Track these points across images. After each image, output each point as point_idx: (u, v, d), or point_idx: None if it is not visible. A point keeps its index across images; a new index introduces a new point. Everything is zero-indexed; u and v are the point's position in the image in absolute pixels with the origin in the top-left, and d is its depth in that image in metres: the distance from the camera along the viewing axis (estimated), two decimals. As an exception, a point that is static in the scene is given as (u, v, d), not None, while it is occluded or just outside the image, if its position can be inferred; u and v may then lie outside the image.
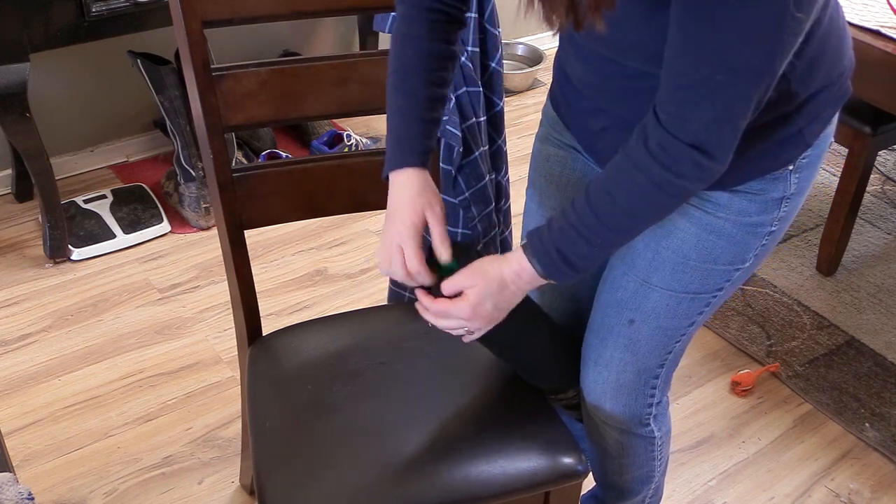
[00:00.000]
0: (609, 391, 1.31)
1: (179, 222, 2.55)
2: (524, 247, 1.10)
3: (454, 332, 1.18)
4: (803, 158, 1.13)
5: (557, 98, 1.29)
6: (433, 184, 1.20)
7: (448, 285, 1.13)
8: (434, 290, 1.16)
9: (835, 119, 1.15)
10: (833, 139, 1.18)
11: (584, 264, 1.08)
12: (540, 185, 1.36)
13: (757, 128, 1.04)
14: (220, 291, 2.31)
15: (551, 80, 1.31)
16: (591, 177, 1.27)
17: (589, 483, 1.76)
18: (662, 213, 1.06)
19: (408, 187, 1.17)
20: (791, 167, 1.12)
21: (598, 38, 1.04)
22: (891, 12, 1.94)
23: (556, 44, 1.25)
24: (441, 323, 1.16)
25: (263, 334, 1.47)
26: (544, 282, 1.11)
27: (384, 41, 2.99)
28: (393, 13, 1.52)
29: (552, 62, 1.31)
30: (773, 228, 1.16)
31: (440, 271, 1.16)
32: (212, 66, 1.31)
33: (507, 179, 1.68)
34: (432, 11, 1.17)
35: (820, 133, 1.13)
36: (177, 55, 2.46)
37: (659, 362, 1.29)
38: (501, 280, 1.11)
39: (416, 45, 1.18)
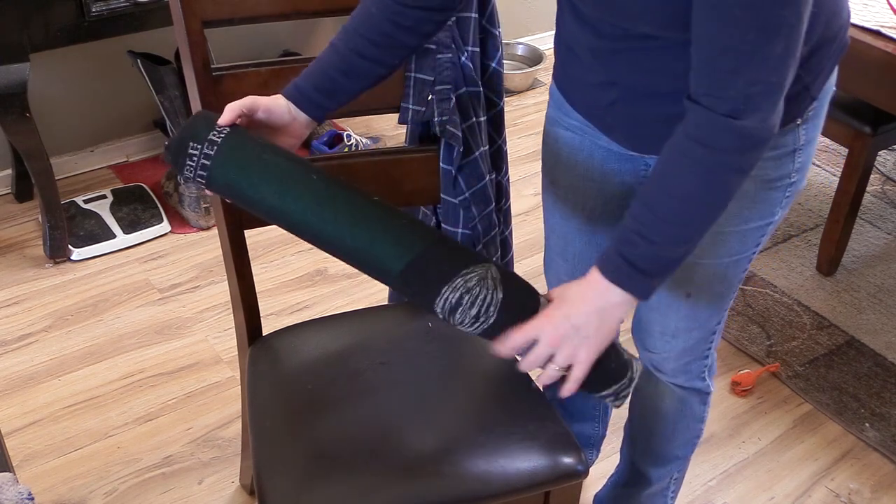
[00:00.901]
0: (674, 355, 1.38)
1: (179, 222, 2.55)
2: (596, 263, 1.06)
3: (549, 374, 1.07)
4: (810, 111, 1.16)
5: (561, 77, 1.29)
6: (285, 112, 1.18)
7: (529, 329, 1.06)
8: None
9: (836, 70, 1.19)
10: (835, 88, 1.21)
11: (649, 267, 1.03)
12: (550, 165, 1.39)
13: None
14: (220, 291, 2.31)
15: (554, 60, 1.31)
16: (598, 154, 1.29)
17: (596, 483, 1.76)
18: (720, 195, 1.01)
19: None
20: (799, 121, 1.15)
21: (606, 5, 1.05)
22: (891, 12, 1.94)
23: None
24: (509, 344, 1.07)
25: (263, 334, 1.47)
26: (621, 301, 1.04)
27: (384, 41, 2.99)
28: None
29: (552, 61, 1.31)
30: (793, 179, 1.20)
31: None
32: (212, 66, 1.31)
33: (508, 179, 1.68)
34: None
35: (823, 85, 1.16)
36: (177, 55, 2.46)
37: (717, 320, 1.35)
38: (573, 292, 1.06)
39: (367, 16, 1.17)
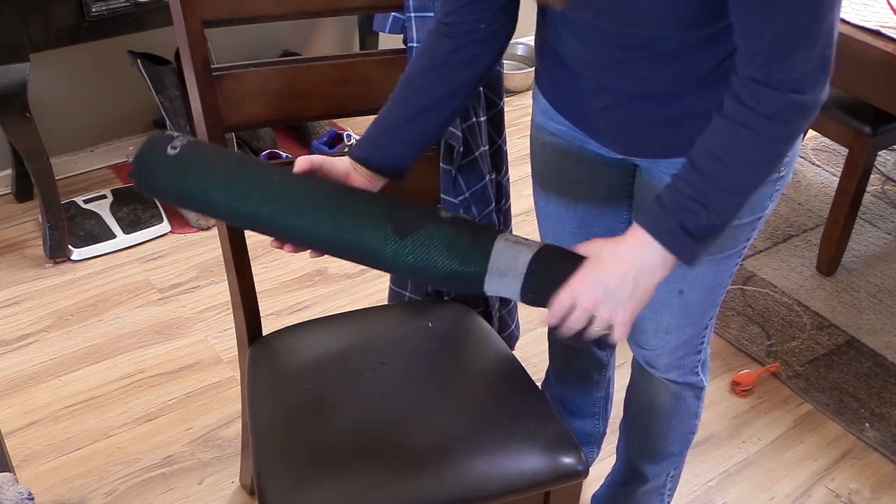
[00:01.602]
0: (666, 351, 1.39)
1: (179, 222, 2.54)
2: (640, 224, 1.06)
3: (592, 334, 1.08)
4: None
5: (547, 84, 1.29)
6: (355, 171, 1.21)
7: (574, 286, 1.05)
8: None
9: None
10: (834, 87, 1.21)
11: (702, 233, 1.05)
12: (539, 170, 1.40)
13: None
14: (220, 291, 2.30)
15: (536, 67, 1.30)
16: (587, 158, 1.29)
17: (596, 482, 1.76)
18: (776, 162, 1.05)
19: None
20: None
21: (600, 11, 1.05)
22: (891, 12, 1.94)
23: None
24: (550, 316, 1.07)
25: (263, 334, 1.47)
26: (662, 264, 1.05)
27: (384, 41, 2.99)
28: (393, 13, 1.52)
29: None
30: (781, 174, 1.20)
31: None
32: (212, 66, 1.31)
33: (508, 179, 1.68)
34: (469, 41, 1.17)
35: None
36: (177, 55, 2.46)
37: (710, 316, 1.37)
38: (608, 253, 1.06)
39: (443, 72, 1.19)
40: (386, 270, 1.13)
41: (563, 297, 1.05)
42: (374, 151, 1.20)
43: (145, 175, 1.13)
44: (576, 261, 1.07)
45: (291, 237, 1.13)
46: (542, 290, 1.07)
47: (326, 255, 1.14)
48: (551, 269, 1.07)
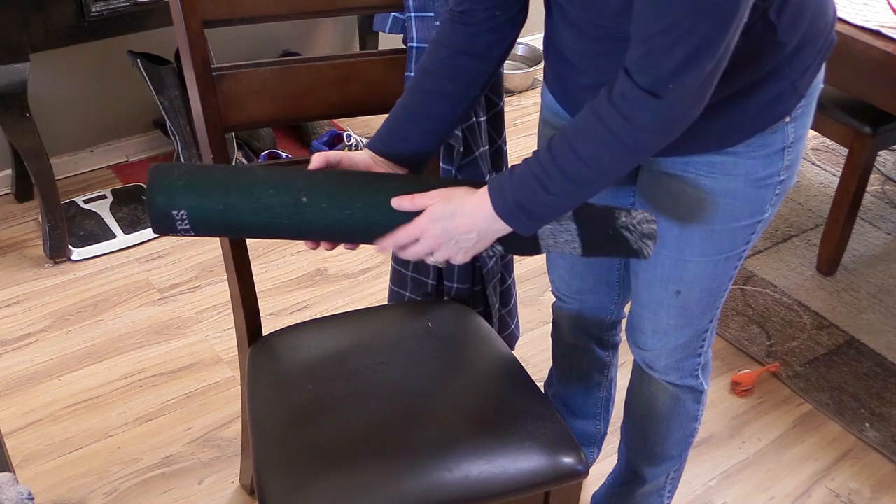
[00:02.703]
0: (665, 352, 1.39)
1: (179, 222, 2.54)
2: (489, 191, 1.10)
3: (410, 253, 1.15)
4: (798, 108, 1.16)
5: (551, 79, 1.30)
6: (375, 164, 1.23)
7: (417, 199, 1.11)
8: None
9: (823, 67, 1.19)
10: (823, 84, 1.21)
11: (540, 212, 1.08)
12: None
13: (751, 85, 1.09)
14: (220, 291, 2.31)
15: (544, 64, 1.31)
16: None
17: (596, 482, 1.76)
18: (620, 166, 1.05)
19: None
20: (787, 118, 1.16)
21: (586, 5, 1.06)
22: (891, 12, 1.94)
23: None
24: (392, 240, 1.14)
25: (263, 334, 1.47)
26: (503, 229, 1.10)
27: (384, 41, 2.99)
28: (393, 13, 1.52)
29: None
30: (783, 177, 1.20)
31: None
32: (212, 66, 1.31)
33: (507, 179, 1.68)
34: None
35: (811, 83, 1.16)
36: (177, 55, 2.46)
37: (709, 318, 1.36)
38: (461, 207, 1.10)
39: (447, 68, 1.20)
40: None
41: (412, 231, 1.11)
42: (397, 142, 1.22)
43: (164, 212, 1.10)
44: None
45: (325, 231, 1.13)
46: (596, 234, 1.13)
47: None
48: (596, 211, 1.13)
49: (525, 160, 1.09)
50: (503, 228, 1.10)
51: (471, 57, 1.19)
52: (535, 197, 1.06)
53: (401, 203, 1.11)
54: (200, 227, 1.11)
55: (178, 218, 1.10)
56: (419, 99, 1.22)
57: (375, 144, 1.22)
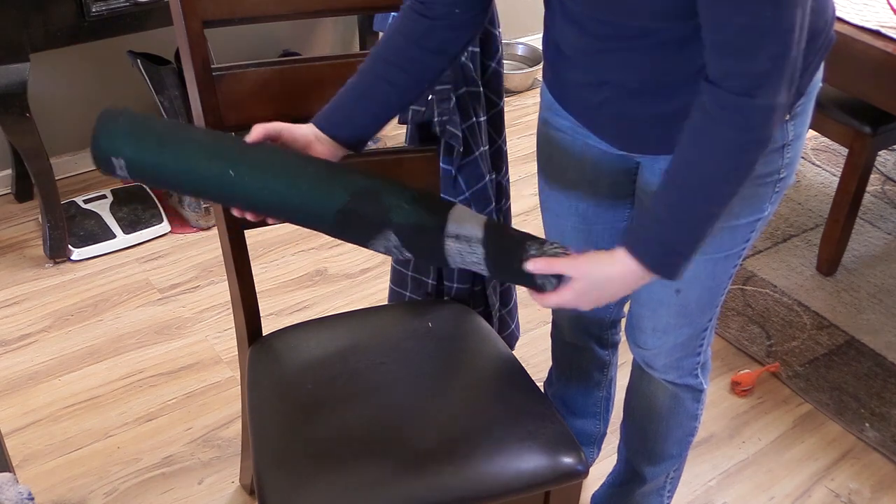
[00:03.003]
0: (664, 351, 1.39)
1: (179, 222, 2.55)
2: (627, 249, 1.08)
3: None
4: (797, 106, 1.17)
5: (551, 78, 1.30)
6: (318, 141, 1.22)
7: (554, 265, 1.09)
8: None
9: (822, 65, 1.19)
10: (822, 83, 1.21)
11: (691, 249, 1.06)
12: (543, 164, 1.41)
13: None
14: (220, 291, 2.31)
15: (543, 62, 1.31)
16: (590, 154, 1.31)
17: (596, 482, 1.76)
18: (750, 170, 1.04)
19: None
20: (787, 116, 1.16)
21: (601, 2, 1.05)
22: (891, 12, 1.94)
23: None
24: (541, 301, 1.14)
25: (263, 334, 1.47)
26: (651, 278, 1.09)
27: (384, 41, 2.99)
28: (393, 13, 1.52)
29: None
30: (782, 175, 1.20)
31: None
32: (212, 66, 1.31)
33: (508, 179, 1.68)
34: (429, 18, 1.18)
35: (810, 81, 1.17)
36: (177, 55, 2.46)
37: (708, 317, 1.36)
38: (608, 279, 1.09)
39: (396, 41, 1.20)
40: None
41: (561, 302, 1.09)
42: (341, 123, 1.22)
43: (106, 151, 1.16)
44: (521, 239, 1.11)
45: (248, 203, 1.15)
46: (502, 262, 1.11)
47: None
48: (508, 240, 1.11)
49: (649, 209, 1.07)
50: (647, 276, 1.08)
51: (424, 50, 1.19)
52: (679, 236, 1.05)
53: (536, 266, 1.09)
54: (137, 176, 1.16)
55: (117, 164, 1.15)
56: (369, 82, 1.21)
57: (319, 121, 1.22)
